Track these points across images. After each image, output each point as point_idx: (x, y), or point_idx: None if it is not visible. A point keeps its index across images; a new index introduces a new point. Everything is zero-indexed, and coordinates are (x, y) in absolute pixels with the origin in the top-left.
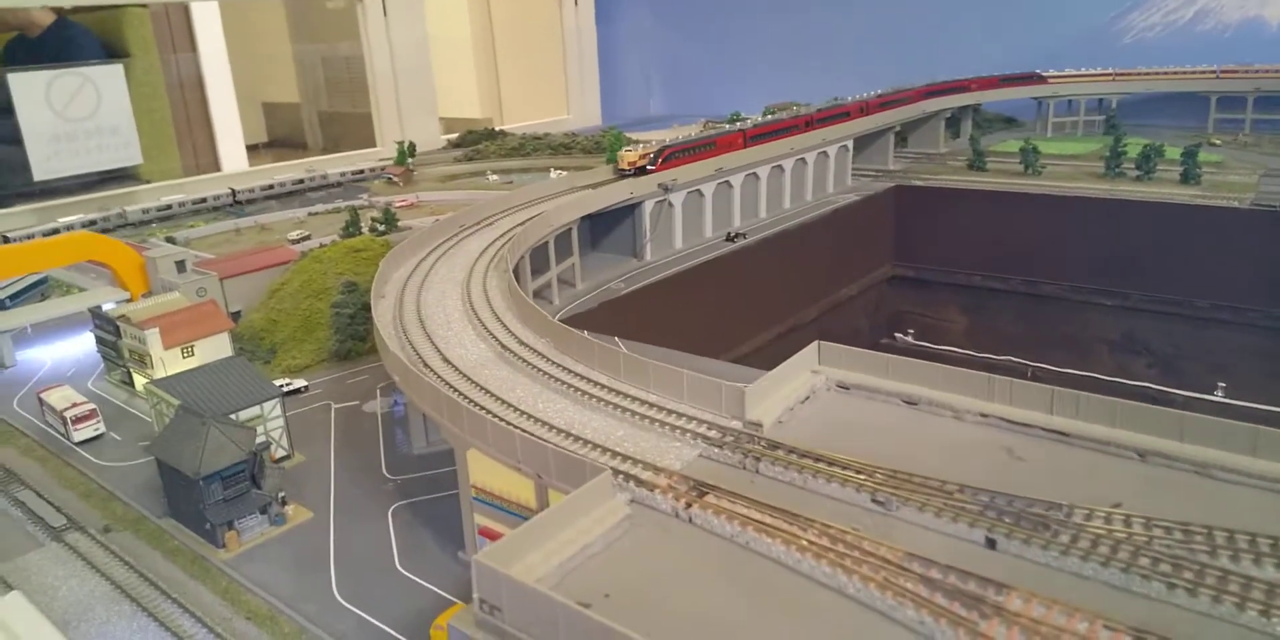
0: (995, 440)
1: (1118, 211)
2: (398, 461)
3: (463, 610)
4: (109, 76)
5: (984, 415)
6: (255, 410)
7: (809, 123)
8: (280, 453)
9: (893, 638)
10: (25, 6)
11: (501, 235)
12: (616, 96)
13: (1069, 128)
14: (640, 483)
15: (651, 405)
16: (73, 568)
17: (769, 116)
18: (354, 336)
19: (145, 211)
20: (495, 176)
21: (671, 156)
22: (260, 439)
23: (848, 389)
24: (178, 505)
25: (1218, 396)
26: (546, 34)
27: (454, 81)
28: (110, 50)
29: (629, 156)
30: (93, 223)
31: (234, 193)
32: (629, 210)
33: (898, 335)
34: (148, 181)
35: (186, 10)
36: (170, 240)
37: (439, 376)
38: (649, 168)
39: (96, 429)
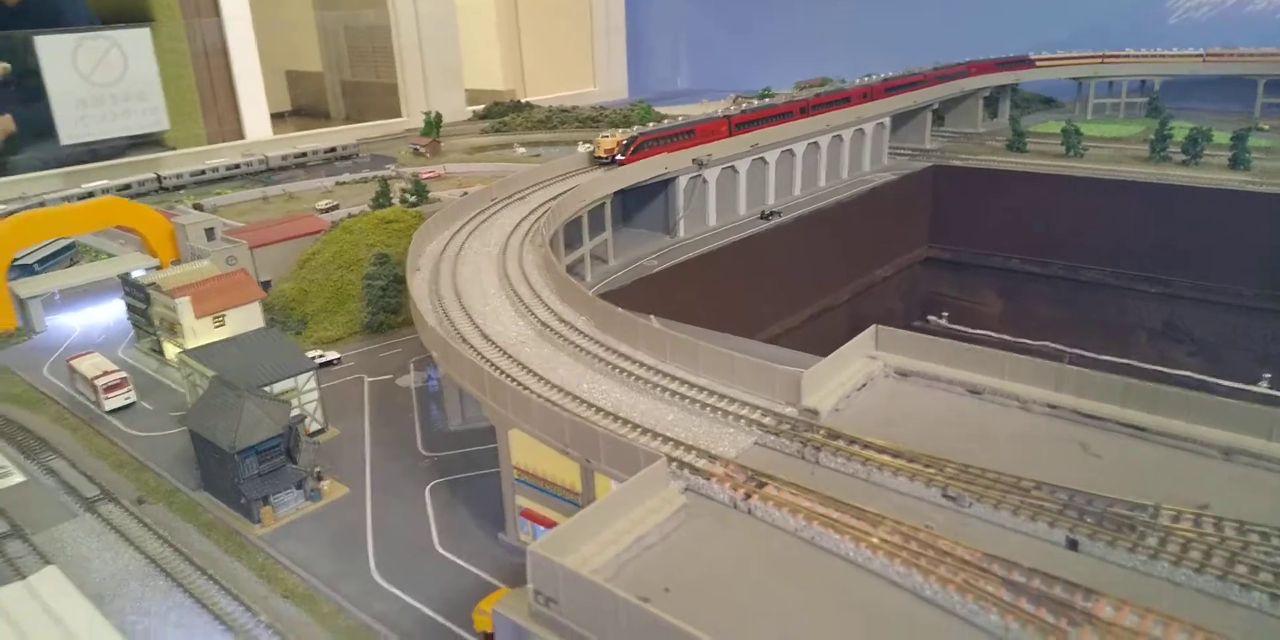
0: (1067, 434)
1: (1163, 196)
2: (433, 438)
3: (507, 596)
4: (136, 40)
5: (1053, 407)
6: (290, 382)
7: (804, 109)
8: (314, 426)
9: None
10: None
11: (534, 209)
12: (643, 70)
13: (1109, 109)
14: (695, 471)
15: (701, 389)
16: (106, 540)
17: (762, 101)
18: (386, 309)
19: (179, 176)
20: (522, 149)
21: (644, 146)
22: (295, 412)
23: (906, 376)
24: (212, 479)
25: (1262, 387)
26: (575, 5)
27: (476, 52)
28: (132, 14)
29: (606, 143)
30: (126, 187)
31: (266, 160)
32: (662, 186)
33: (931, 318)
34: (172, 148)
35: None
36: (197, 207)
37: (479, 353)
38: (618, 158)
39: (127, 398)
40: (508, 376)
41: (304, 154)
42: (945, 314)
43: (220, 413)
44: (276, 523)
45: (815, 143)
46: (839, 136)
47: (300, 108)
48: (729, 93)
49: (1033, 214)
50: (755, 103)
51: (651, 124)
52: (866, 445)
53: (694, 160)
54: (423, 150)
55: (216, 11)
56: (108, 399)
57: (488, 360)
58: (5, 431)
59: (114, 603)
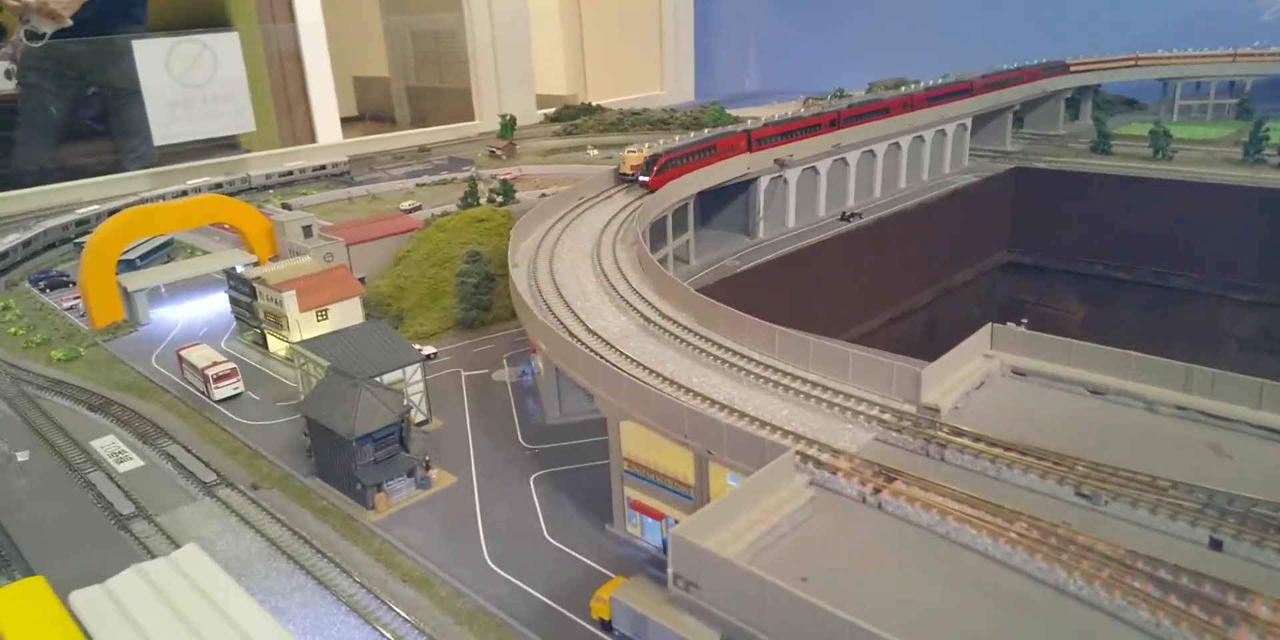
0: (1197, 435)
1: (1258, 200)
2: (532, 431)
3: (625, 584)
4: (225, 44)
5: (1181, 408)
6: (398, 374)
7: (834, 121)
8: (419, 417)
9: None
10: None
11: (621, 209)
12: (710, 72)
13: (1195, 111)
14: (820, 465)
15: (814, 385)
16: (226, 523)
17: (799, 112)
18: (478, 306)
19: (267, 177)
20: (595, 151)
21: (668, 165)
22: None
23: (1024, 375)
24: (326, 465)
25: None
26: (642, 8)
27: (539, 56)
28: (208, 21)
29: (631, 159)
30: (218, 186)
31: (249, 178)
32: (743, 187)
33: (1010, 324)
34: (248, 151)
35: None
36: (285, 206)
37: (587, 347)
38: (640, 178)
39: (236, 388)
40: (619, 369)
41: (290, 172)
42: (1025, 320)
43: (337, 401)
44: (390, 509)
45: (896, 143)
46: (920, 137)
47: (365, 112)
48: (800, 94)
49: (1119, 218)
50: (821, 106)
51: (677, 138)
52: (994, 443)
53: (775, 160)
54: (499, 152)
55: (291, 17)
56: (217, 388)
57: (596, 353)
58: (122, 418)
59: (240, 582)
